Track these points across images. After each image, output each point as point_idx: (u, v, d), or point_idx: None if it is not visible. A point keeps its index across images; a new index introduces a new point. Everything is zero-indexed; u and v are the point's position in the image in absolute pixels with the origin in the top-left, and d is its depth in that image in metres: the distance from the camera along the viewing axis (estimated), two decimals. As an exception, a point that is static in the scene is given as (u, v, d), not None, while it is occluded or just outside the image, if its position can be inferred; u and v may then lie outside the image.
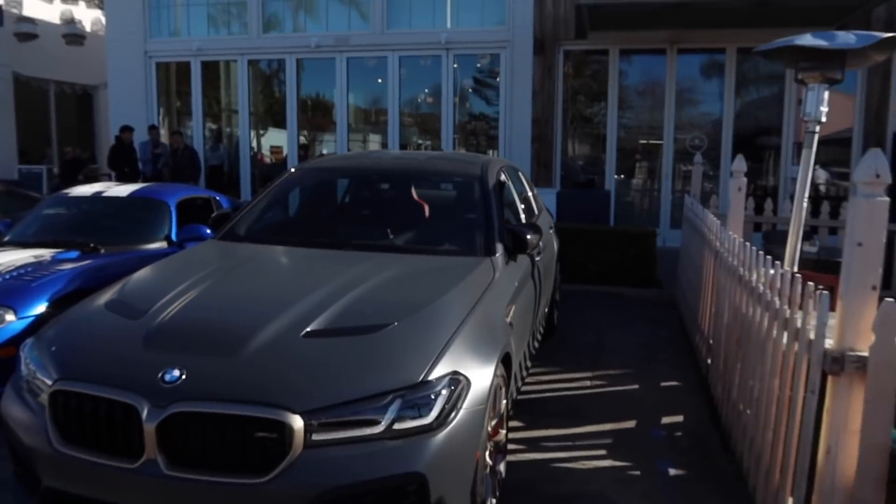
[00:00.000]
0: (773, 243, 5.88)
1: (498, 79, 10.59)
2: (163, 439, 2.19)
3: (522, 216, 4.50)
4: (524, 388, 4.52)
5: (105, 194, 5.65)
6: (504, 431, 3.07)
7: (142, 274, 3.23)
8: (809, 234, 6.07)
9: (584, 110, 10.97)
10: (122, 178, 9.53)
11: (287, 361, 2.36)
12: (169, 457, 2.20)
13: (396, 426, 2.26)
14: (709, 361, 4.65)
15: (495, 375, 2.66)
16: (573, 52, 10.37)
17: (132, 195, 5.63)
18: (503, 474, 3.07)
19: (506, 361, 2.99)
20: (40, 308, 3.88)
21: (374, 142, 11.72)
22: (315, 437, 2.18)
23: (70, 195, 5.75)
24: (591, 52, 10.43)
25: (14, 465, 2.57)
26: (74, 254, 4.76)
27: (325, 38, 10.76)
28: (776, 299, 2.91)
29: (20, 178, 12.01)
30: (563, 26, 10.08)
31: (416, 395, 2.31)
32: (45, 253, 4.72)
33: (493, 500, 2.84)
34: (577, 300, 7.02)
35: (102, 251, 4.85)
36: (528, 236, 3.60)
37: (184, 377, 2.26)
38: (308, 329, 2.52)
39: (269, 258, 3.49)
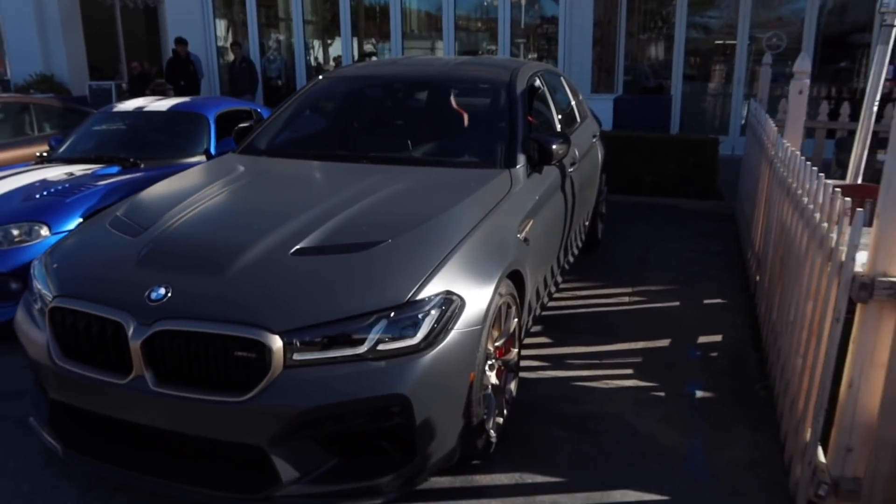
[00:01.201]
0: (845, 152, 5.37)
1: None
2: (149, 356, 2.21)
3: (558, 125, 4.23)
4: (554, 305, 4.40)
5: (146, 109, 5.68)
6: (516, 351, 2.97)
7: (150, 190, 3.22)
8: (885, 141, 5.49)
9: (651, 10, 10.16)
10: (179, 92, 9.60)
11: (271, 280, 2.31)
12: (156, 373, 2.22)
13: (381, 347, 2.19)
14: (757, 279, 4.37)
15: (497, 294, 2.54)
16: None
17: (172, 109, 5.65)
18: (513, 393, 3.00)
19: (516, 279, 2.86)
20: (74, 223, 3.98)
21: (427, 48, 11.32)
22: (296, 356, 2.15)
23: (114, 111, 5.82)
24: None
25: (33, 375, 2.68)
26: (115, 169, 4.85)
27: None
28: (816, 215, 2.63)
29: (90, 94, 12.29)
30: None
31: (402, 315, 2.23)
32: (87, 168, 4.83)
33: (500, 420, 2.79)
34: (627, 213, 6.72)
35: (142, 166, 4.93)
36: (554, 146, 3.37)
37: (169, 295, 2.25)
38: (298, 246, 2.45)
39: (279, 173, 3.42)
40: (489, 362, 2.71)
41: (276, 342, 2.12)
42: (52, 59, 12.26)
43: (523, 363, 3.55)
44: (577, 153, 4.27)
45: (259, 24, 11.51)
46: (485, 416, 2.57)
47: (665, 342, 3.92)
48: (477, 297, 2.43)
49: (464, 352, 2.34)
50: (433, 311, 2.27)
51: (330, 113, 4.24)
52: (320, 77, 4.33)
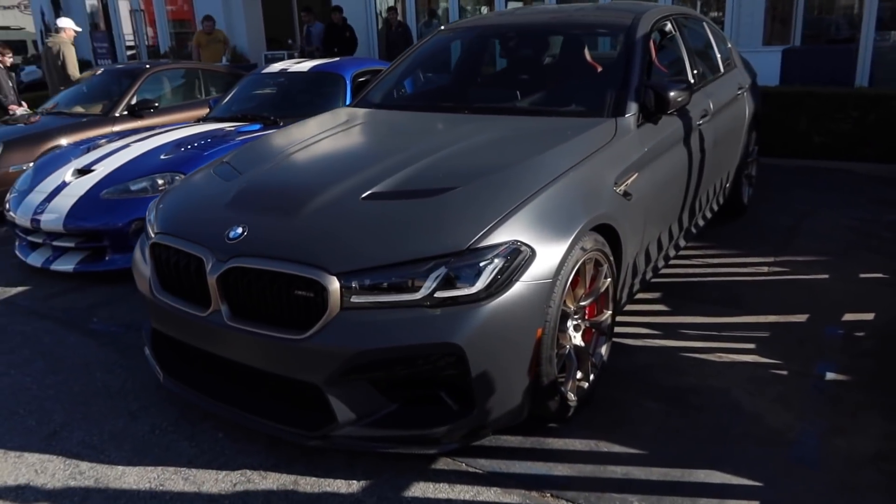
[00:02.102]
0: None
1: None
2: (224, 291, 2.32)
3: (691, 73, 3.84)
4: (677, 271, 4.07)
5: (289, 70, 5.98)
6: (609, 313, 2.77)
7: (257, 139, 3.38)
8: None
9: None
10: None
11: (337, 223, 2.32)
12: (231, 308, 2.33)
13: (438, 294, 2.12)
14: (929, 252, 3.73)
15: (578, 248, 2.37)
16: None
17: (312, 70, 5.89)
18: (604, 358, 2.81)
19: (609, 236, 2.65)
20: (209, 174, 4.29)
21: None
22: (354, 299, 2.15)
23: (261, 72, 6.19)
24: None
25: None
26: (257, 126, 5.17)
27: None
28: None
29: (265, 62, 13.21)
30: None
31: (462, 263, 2.14)
32: (233, 126, 5.19)
33: (584, 385, 2.62)
34: (788, 177, 6.04)
35: (281, 123, 5.19)
36: (672, 93, 3.06)
37: (245, 235, 2.34)
38: (370, 192, 2.44)
39: (378, 122, 3.42)
40: (573, 322, 2.55)
41: (334, 283, 2.13)
42: (234, 32, 13.29)
43: (627, 329, 3.33)
44: (710, 105, 3.86)
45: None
46: (560, 378, 2.43)
47: (801, 317, 3.47)
48: (550, 249, 2.28)
49: (530, 305, 2.21)
50: (497, 260, 2.16)
51: (443, 65, 4.18)
52: (441, 28, 4.27)
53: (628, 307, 3.44)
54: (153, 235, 2.65)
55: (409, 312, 2.13)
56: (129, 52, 15.92)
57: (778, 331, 3.34)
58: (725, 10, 9.14)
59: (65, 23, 8.30)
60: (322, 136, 3.16)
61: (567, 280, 2.34)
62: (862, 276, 3.95)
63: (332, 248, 2.22)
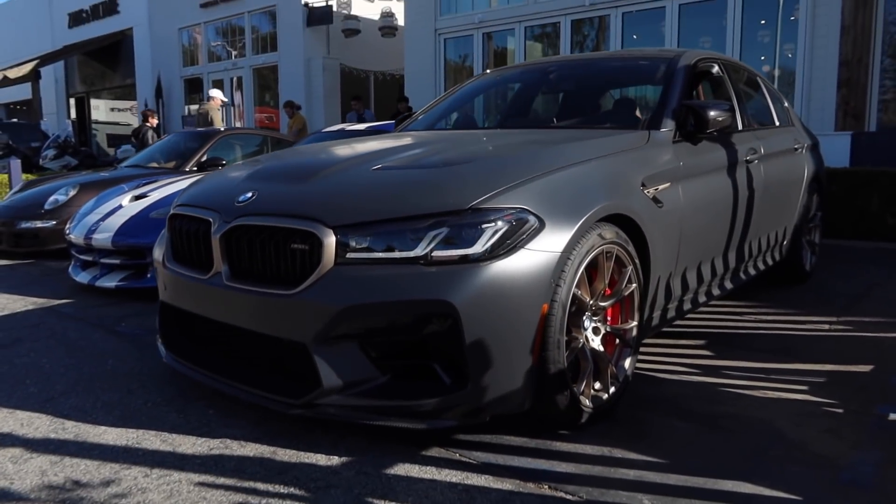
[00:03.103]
0: None
1: (793, 17, 9.06)
2: (227, 251, 2.29)
3: (738, 114, 3.73)
4: (724, 323, 3.78)
5: (348, 128, 6.23)
6: (634, 324, 2.57)
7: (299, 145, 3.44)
8: None
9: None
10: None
11: (343, 186, 2.29)
12: (231, 268, 2.29)
13: (436, 253, 2.02)
14: None
15: (592, 232, 2.24)
16: (899, -29, 8.38)
17: (369, 128, 6.12)
18: (627, 372, 2.56)
19: (635, 236, 2.50)
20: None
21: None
22: (350, 255, 2.07)
23: (323, 131, 6.47)
24: (929, -30, 8.31)
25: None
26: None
27: (599, -4, 10.40)
28: None
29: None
30: (886, -58, 8.22)
31: (462, 222, 2.04)
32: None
33: (604, 396, 2.39)
34: (857, 255, 5.67)
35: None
36: (711, 112, 2.97)
37: (253, 198, 2.33)
38: (382, 165, 2.41)
39: (410, 135, 3.44)
40: (592, 322, 2.37)
41: (330, 236, 2.07)
42: (314, 121, 14.13)
43: (660, 366, 3.07)
44: (760, 147, 3.72)
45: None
46: (568, 372, 2.22)
47: (865, 367, 3.12)
48: (562, 223, 2.15)
49: (535, 276, 2.06)
50: (500, 223, 2.05)
51: (485, 99, 4.24)
52: (488, 71, 4.37)
53: (664, 349, 3.21)
54: (172, 210, 2.68)
55: (404, 269, 2.02)
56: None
57: (834, 377, 3.00)
58: (793, 104, 9.07)
59: (214, 93, 10.66)
60: (353, 140, 3.20)
61: (580, 261, 2.19)
62: (937, 336, 3.56)
63: (332, 203, 2.18)
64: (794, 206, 4.29)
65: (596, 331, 2.42)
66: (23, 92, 21.11)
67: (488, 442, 2.23)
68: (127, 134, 24.66)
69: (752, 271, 3.82)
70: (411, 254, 2.03)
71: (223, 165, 6.74)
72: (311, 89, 14.61)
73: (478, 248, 2.02)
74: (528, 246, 2.07)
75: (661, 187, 2.72)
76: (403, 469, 2.03)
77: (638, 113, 3.17)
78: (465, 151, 2.57)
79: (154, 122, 11.43)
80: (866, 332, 3.63)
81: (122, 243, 4.31)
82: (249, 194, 2.35)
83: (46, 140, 13.95)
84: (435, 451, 2.15)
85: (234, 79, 16.57)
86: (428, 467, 2.05)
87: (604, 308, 2.44)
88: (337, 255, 2.07)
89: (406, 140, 3.07)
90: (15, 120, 21.25)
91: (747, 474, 2.05)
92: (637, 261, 2.53)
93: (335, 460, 2.08)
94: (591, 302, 2.35)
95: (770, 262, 4.09)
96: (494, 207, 2.08)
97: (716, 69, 3.78)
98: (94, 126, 22.46)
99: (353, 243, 2.07)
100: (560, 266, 2.12)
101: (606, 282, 2.41)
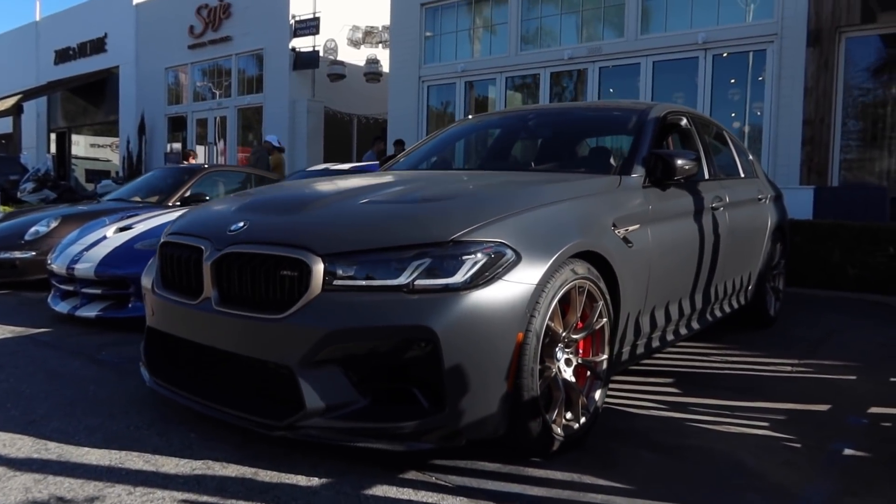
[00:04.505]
0: None
1: (761, 78, 9.51)
2: (217, 278, 2.38)
3: (705, 165, 3.94)
4: (691, 363, 3.92)
5: (331, 168, 6.38)
6: (605, 357, 2.69)
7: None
8: None
9: (873, 108, 9.26)
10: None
11: (332, 217, 2.41)
12: (220, 294, 2.38)
13: (419, 282, 2.14)
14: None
15: (565, 267, 2.37)
16: (856, 38, 8.89)
17: (352, 168, 6.27)
18: (598, 404, 2.67)
19: (605, 273, 2.64)
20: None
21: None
22: (337, 282, 2.18)
23: (307, 170, 6.61)
24: (886, 36, 8.82)
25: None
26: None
27: (577, 50, 10.82)
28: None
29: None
30: (845, 11, 8.73)
31: (444, 253, 2.17)
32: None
33: (574, 425, 2.49)
34: (819, 303, 5.88)
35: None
36: (679, 161, 3.16)
37: (245, 227, 2.44)
38: (369, 199, 2.54)
39: (395, 174, 3.59)
40: (564, 353, 2.49)
41: (318, 264, 2.18)
42: (296, 161, 14.31)
43: (630, 402, 3.18)
44: (725, 196, 3.93)
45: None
46: (541, 399, 2.32)
47: (823, 407, 3.26)
48: (537, 257, 2.29)
49: (511, 306, 2.19)
50: (479, 255, 2.18)
51: (466, 143, 4.42)
52: (469, 117, 4.57)
53: (634, 385, 3.32)
54: (163, 239, 2.77)
55: (388, 296, 2.14)
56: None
57: (794, 415, 3.14)
58: (760, 160, 9.44)
59: (269, 137, 11.72)
60: (340, 177, 3.34)
61: (554, 294, 2.32)
62: (893, 379, 3.72)
63: (321, 233, 2.30)
64: (758, 253, 4.49)
65: (568, 362, 2.53)
66: (3, 126, 21.14)
67: (463, 467, 2.31)
68: (106, 170, 24.70)
69: (718, 313, 3.98)
70: (395, 282, 2.14)
71: (206, 201, 6.84)
72: (296, 130, 14.83)
73: (458, 278, 2.14)
74: (505, 277, 2.20)
75: (630, 228, 2.88)
76: (381, 490, 2.11)
77: (611, 160, 3.36)
78: (448, 189, 2.72)
79: (192, 159, 11.94)
80: (825, 375, 3.79)
81: (105, 273, 4.36)
82: (241, 224, 2.46)
83: (26, 173, 13.93)
84: (412, 475, 2.23)
85: (218, 118, 16.76)
86: (405, 489, 2.12)
87: (576, 340, 2.56)
88: (324, 282, 2.18)
89: (391, 178, 3.21)
90: (-6, 153, 21.30)
91: (710, 501, 2.16)
92: (608, 296, 2.66)
93: (315, 481, 2.15)
94: (564, 334, 2.47)
95: (736, 305, 4.26)
96: (475, 241, 2.21)
97: (684, 122, 4.01)
98: (73, 161, 22.47)
99: (340, 271, 2.18)
100: (535, 297, 2.24)
101: (578, 315, 2.54)
